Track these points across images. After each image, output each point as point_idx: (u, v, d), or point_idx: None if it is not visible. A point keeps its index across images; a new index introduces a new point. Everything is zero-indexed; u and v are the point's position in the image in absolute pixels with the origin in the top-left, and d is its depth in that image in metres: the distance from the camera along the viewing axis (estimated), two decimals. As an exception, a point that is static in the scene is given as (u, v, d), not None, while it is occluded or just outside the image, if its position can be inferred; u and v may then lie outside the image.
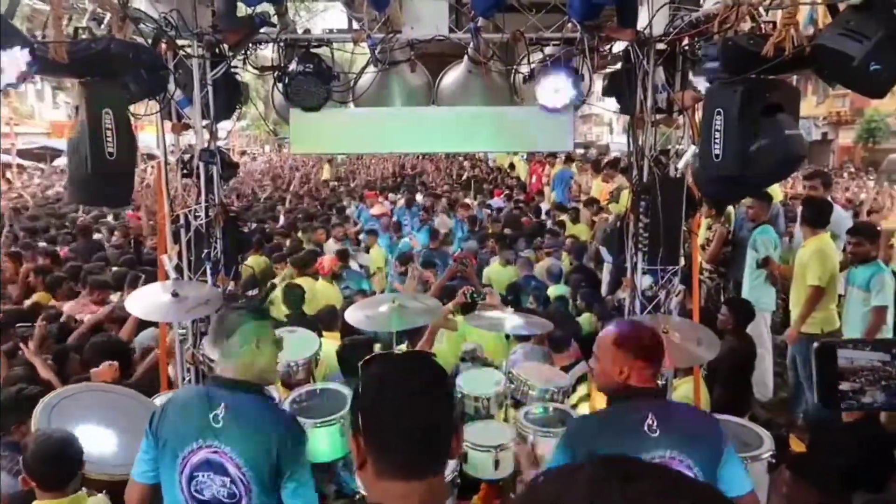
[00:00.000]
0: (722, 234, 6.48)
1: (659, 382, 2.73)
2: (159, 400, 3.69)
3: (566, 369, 4.42)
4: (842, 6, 2.27)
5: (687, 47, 3.69)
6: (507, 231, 9.68)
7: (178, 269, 4.13)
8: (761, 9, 2.72)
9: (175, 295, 3.72)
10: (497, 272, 7.57)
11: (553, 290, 6.74)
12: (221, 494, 2.28)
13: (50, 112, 28.68)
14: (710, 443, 2.23)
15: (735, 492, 2.19)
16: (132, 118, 3.35)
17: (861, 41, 2.15)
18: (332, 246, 8.76)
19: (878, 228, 5.79)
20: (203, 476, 2.28)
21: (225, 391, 2.29)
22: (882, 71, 2.13)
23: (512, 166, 18.57)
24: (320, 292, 6.61)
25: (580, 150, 17.06)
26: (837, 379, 2.59)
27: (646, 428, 2.17)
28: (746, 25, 2.82)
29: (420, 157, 21.82)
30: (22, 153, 23.66)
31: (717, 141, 2.84)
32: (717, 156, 2.86)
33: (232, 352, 2.33)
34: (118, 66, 2.97)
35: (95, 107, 2.87)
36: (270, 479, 2.29)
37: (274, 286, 6.84)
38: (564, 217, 10.40)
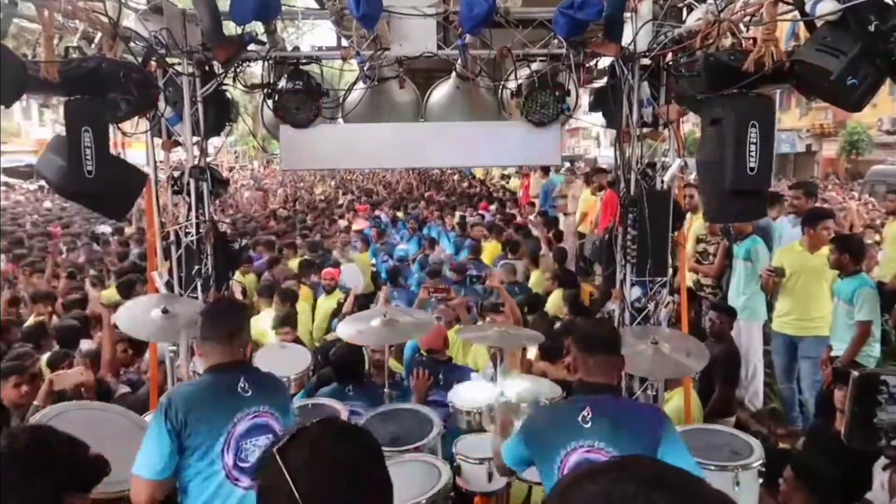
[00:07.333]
0: (724, 249, 6.47)
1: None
2: (149, 418, 3.66)
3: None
4: (819, 22, 2.32)
5: (671, 62, 3.76)
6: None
7: (169, 285, 4.13)
8: (741, 25, 2.78)
9: (165, 311, 3.72)
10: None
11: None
12: None
13: (37, 130, 28.29)
14: (642, 434, 2.36)
15: None
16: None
17: (838, 56, 2.21)
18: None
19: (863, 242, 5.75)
20: (247, 443, 2.58)
21: (234, 372, 2.63)
22: (858, 85, 2.18)
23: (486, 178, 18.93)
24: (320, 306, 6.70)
25: (566, 164, 17.24)
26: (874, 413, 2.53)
27: (580, 419, 2.39)
28: (728, 41, 2.88)
29: (406, 172, 21.91)
30: (8, 171, 23.55)
31: (752, 154, 2.78)
32: (752, 169, 2.81)
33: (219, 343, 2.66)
34: (109, 84, 2.98)
35: (75, 124, 2.86)
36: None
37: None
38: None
